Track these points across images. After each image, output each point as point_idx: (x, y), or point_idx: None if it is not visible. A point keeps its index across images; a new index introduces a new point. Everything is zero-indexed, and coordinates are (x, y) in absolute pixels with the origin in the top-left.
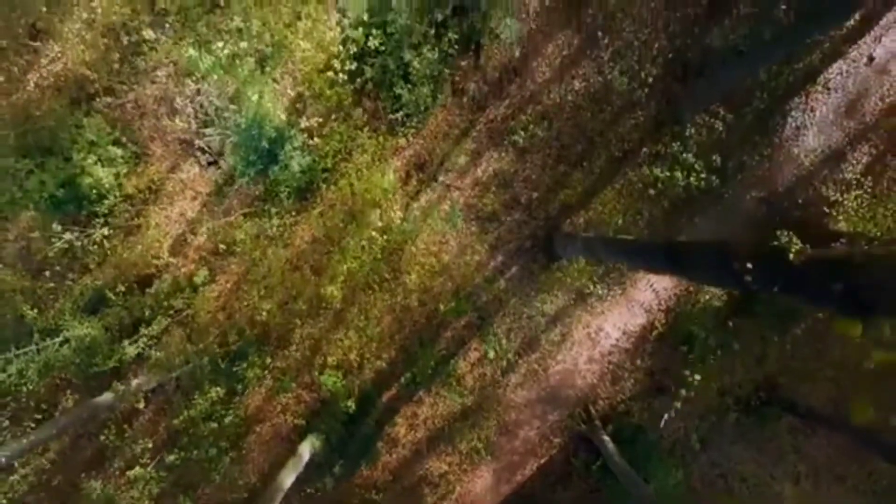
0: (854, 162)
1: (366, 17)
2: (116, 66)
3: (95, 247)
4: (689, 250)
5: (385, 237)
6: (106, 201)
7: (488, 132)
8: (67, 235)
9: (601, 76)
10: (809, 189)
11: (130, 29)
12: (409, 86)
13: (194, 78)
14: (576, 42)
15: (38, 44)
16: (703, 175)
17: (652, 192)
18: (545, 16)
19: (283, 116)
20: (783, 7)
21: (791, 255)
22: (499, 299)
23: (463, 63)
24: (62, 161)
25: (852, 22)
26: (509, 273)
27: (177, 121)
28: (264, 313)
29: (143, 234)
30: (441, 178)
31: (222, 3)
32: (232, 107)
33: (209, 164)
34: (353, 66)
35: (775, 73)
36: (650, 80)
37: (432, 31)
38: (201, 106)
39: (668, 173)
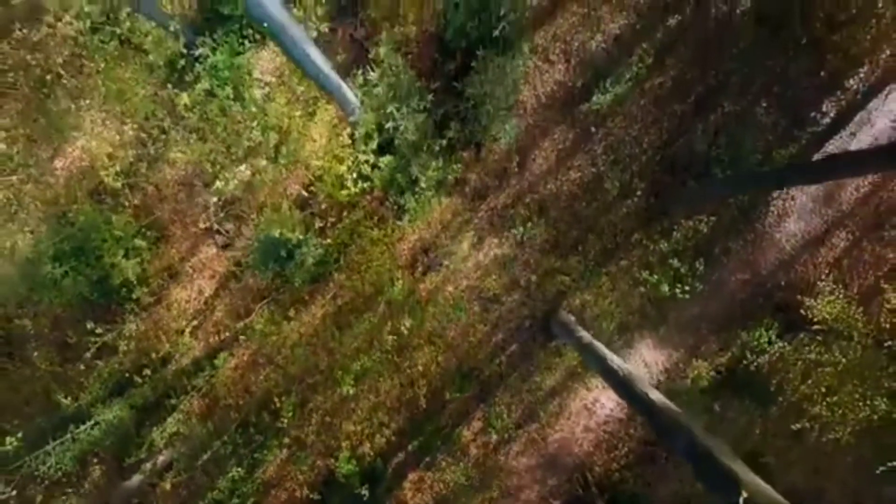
0: (831, 246)
1: (375, 136)
2: (138, 154)
3: (125, 342)
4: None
5: (393, 323)
6: (134, 294)
7: (489, 219)
8: (99, 330)
9: (594, 167)
10: (791, 271)
11: (152, 125)
12: (416, 196)
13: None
14: (570, 136)
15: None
16: (686, 287)
17: (642, 289)
18: (542, 112)
19: (299, 219)
20: (765, 104)
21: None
22: (500, 374)
23: (464, 155)
24: (93, 260)
25: (828, 120)
26: (510, 350)
27: (196, 207)
28: (280, 388)
29: (164, 312)
30: (445, 263)
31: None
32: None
33: (225, 246)
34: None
35: (759, 168)
36: (640, 172)
37: (437, 146)
38: (219, 197)
39: (655, 277)
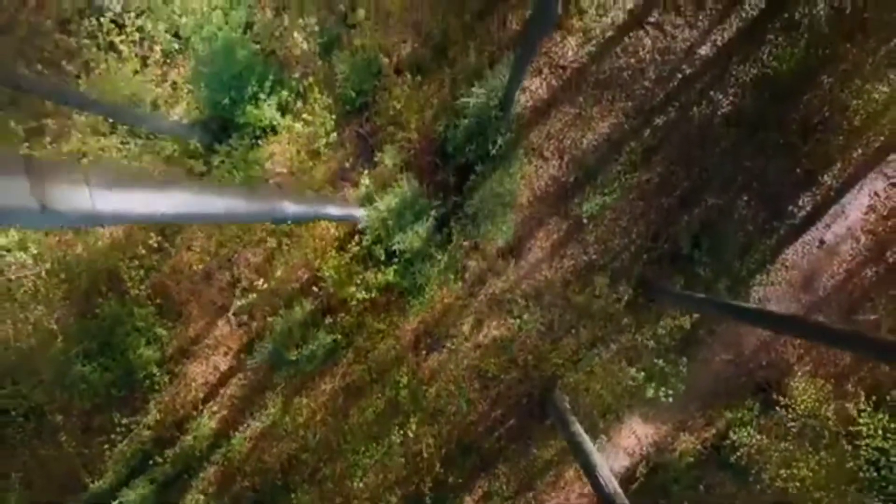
0: None
1: (382, 253)
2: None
3: (148, 430)
4: None
5: (399, 408)
6: (155, 380)
7: (488, 303)
8: (125, 421)
9: (586, 256)
10: (772, 352)
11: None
12: (419, 295)
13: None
14: (564, 227)
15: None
16: (671, 391)
17: (630, 382)
18: (536, 205)
19: (309, 313)
20: (745, 198)
21: None
22: (500, 448)
23: (465, 244)
24: (118, 355)
25: (805, 213)
26: (508, 424)
27: (212, 286)
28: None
29: (182, 387)
30: (447, 345)
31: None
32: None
33: (240, 325)
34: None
35: (738, 260)
36: (629, 262)
37: (438, 240)
38: (233, 275)
39: (642, 375)
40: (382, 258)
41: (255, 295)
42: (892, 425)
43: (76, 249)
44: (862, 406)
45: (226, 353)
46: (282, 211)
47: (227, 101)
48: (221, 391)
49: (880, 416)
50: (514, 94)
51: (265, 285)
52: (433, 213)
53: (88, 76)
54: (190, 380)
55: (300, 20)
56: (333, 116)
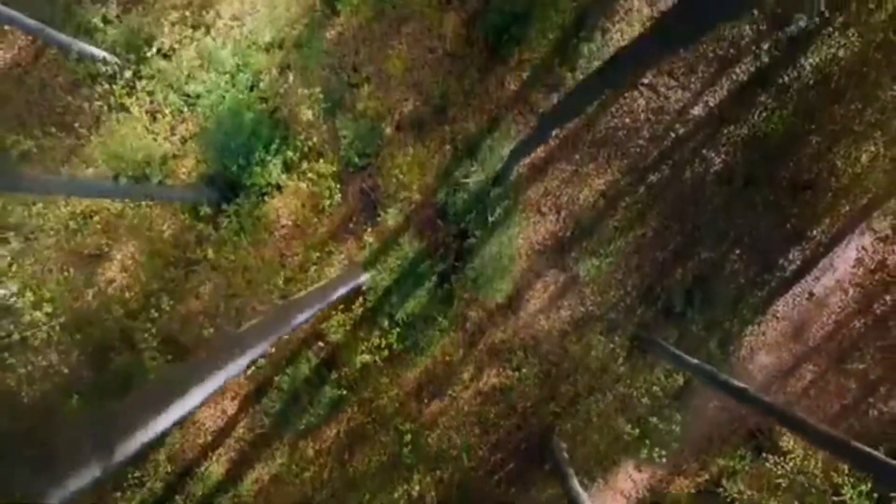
0: (799, 377)
1: (386, 319)
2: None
3: (160, 482)
4: None
5: (402, 454)
6: (167, 435)
7: (488, 352)
8: (138, 473)
9: (583, 307)
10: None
11: (179, 255)
12: (423, 355)
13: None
14: (561, 279)
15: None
16: (664, 452)
17: (626, 437)
18: (534, 258)
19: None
20: (737, 252)
21: None
22: (499, 491)
23: (465, 295)
24: None
25: (795, 266)
26: (507, 468)
27: (219, 333)
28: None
29: (191, 429)
30: (448, 392)
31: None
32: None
33: (248, 371)
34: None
35: (730, 312)
36: (624, 313)
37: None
38: (241, 325)
39: (636, 431)
40: (386, 323)
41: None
42: (875, 494)
43: (87, 297)
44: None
45: (233, 398)
46: (294, 324)
47: (235, 167)
48: (230, 436)
49: (862, 487)
50: (512, 169)
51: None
52: (434, 277)
53: (98, 133)
54: (199, 425)
55: (305, 90)
56: (337, 177)
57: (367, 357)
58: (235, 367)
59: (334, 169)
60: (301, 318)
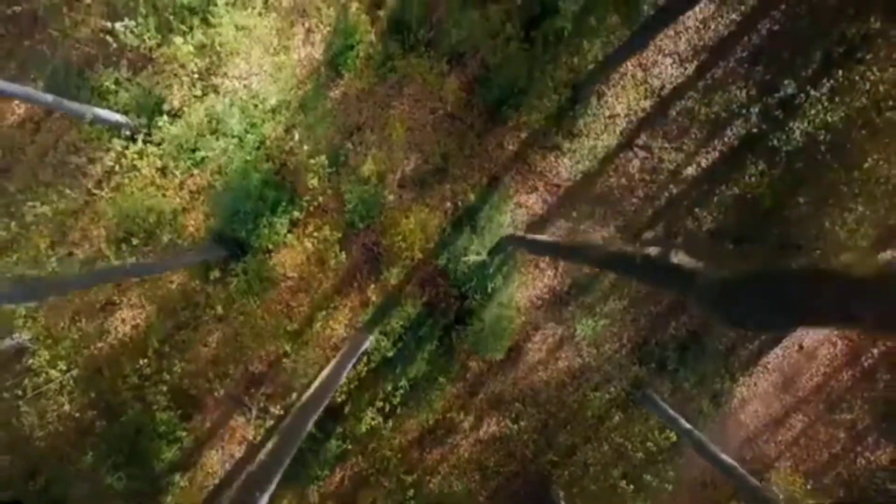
0: (790, 427)
1: (390, 387)
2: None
3: None
4: None
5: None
6: (175, 479)
7: (488, 401)
8: None
9: (580, 358)
10: (755, 447)
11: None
12: (426, 412)
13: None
14: (559, 332)
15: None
16: None
17: (620, 492)
18: (533, 311)
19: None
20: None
21: None
22: None
23: (465, 347)
24: (144, 463)
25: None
26: None
27: (227, 379)
28: None
29: (199, 473)
30: (449, 440)
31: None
32: None
33: (256, 417)
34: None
35: (722, 364)
36: (619, 365)
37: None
38: (248, 370)
39: (630, 487)
40: (390, 387)
41: (268, 390)
42: None
43: (98, 347)
44: None
45: (240, 443)
46: (310, 421)
47: (243, 233)
48: (237, 480)
49: None
50: (507, 248)
51: (280, 378)
52: (436, 340)
53: (109, 190)
54: (207, 469)
55: (310, 148)
56: (341, 236)
57: (371, 416)
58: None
59: (339, 235)
60: (319, 411)
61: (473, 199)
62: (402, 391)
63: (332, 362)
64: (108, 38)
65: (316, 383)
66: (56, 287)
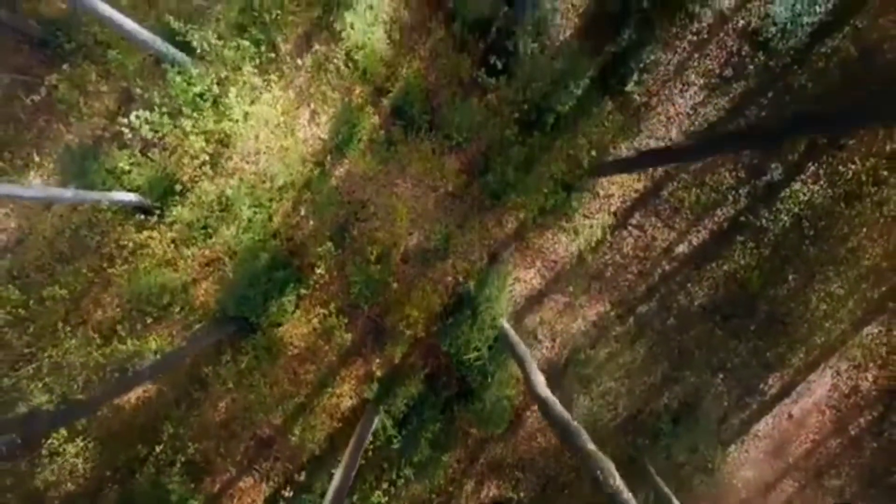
0: (781, 491)
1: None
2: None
3: None
4: None
5: None
6: None
7: (489, 466)
8: None
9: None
10: None
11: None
12: (429, 483)
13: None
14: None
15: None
16: None
17: None
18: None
19: None
20: (721, 377)
21: None
22: None
23: (467, 416)
24: None
25: (774, 390)
26: None
27: (236, 442)
28: None
29: None
30: (452, 502)
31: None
32: None
33: (264, 479)
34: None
35: (715, 433)
36: (616, 434)
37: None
38: (256, 434)
39: None
40: (394, 474)
41: (277, 453)
42: None
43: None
44: None
45: None
46: None
47: (253, 318)
48: None
49: None
50: (509, 334)
51: (288, 439)
52: (439, 413)
53: (124, 266)
54: None
55: (315, 223)
56: (347, 321)
57: (377, 499)
58: None
59: (346, 321)
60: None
61: (474, 278)
62: (406, 471)
63: (346, 454)
64: (125, 129)
65: (336, 480)
66: (95, 403)
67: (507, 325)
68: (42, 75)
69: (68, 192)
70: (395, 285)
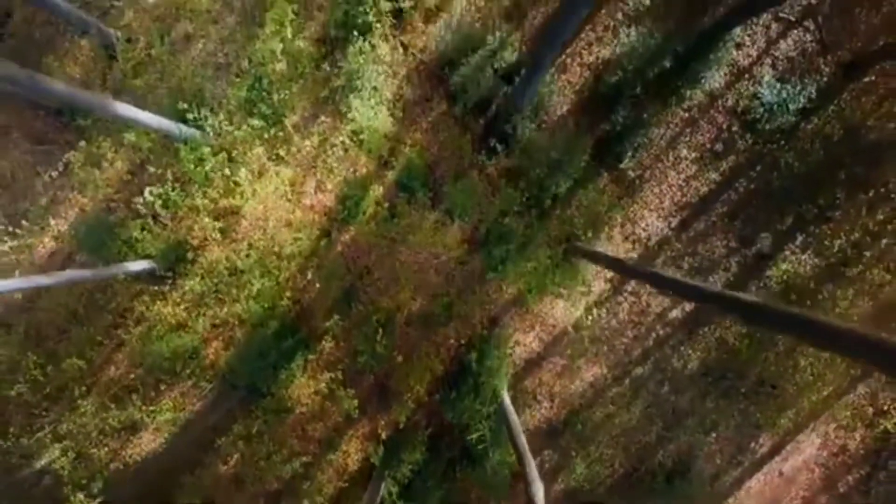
0: None
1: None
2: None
3: None
4: None
5: None
6: None
7: None
8: None
9: (574, 482)
10: None
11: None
12: None
13: None
14: (556, 458)
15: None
16: None
17: None
18: (530, 439)
19: None
20: (713, 436)
21: None
22: None
23: (470, 478)
24: None
25: (765, 449)
26: None
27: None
28: None
29: None
30: None
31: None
32: None
33: None
34: None
35: (709, 490)
36: (612, 490)
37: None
38: (264, 486)
39: None
40: None
41: None
42: None
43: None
44: None
45: None
46: None
47: (264, 388)
48: None
49: None
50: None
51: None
52: (441, 475)
53: (133, 331)
54: None
55: (322, 287)
56: (353, 390)
57: None
58: None
59: (353, 392)
60: None
61: (476, 346)
62: None
63: None
64: (139, 205)
65: None
66: None
67: (508, 403)
68: (58, 141)
69: (88, 273)
70: (399, 358)
